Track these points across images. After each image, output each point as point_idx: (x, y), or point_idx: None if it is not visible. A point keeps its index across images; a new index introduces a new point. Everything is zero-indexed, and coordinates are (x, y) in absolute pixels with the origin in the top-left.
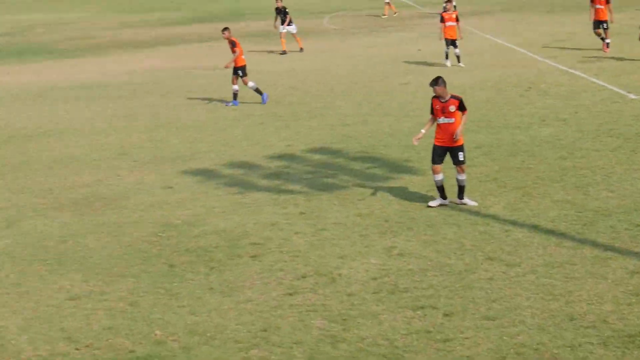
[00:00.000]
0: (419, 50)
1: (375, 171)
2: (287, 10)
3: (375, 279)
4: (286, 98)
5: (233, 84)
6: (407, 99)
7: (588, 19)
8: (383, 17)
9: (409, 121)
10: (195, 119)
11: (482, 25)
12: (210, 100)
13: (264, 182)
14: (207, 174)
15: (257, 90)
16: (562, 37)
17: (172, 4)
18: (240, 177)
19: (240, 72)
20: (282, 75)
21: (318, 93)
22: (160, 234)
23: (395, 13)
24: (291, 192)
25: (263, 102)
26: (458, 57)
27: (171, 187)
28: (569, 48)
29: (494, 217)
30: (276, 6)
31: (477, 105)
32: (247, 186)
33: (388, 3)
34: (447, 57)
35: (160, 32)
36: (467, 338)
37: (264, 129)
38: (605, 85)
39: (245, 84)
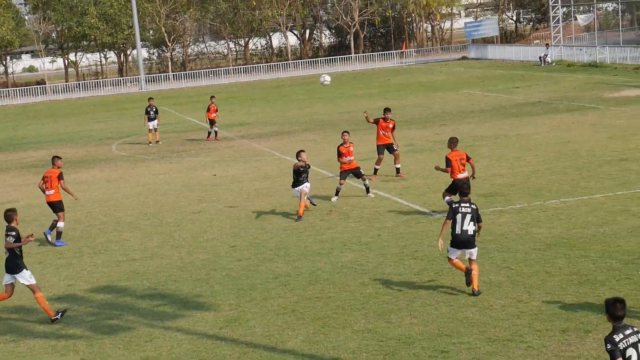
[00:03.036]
0: (214, 175)
1: (164, 309)
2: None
3: None
4: (68, 233)
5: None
6: (201, 229)
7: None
8: (149, 144)
9: (203, 253)
10: None
11: (281, 146)
12: None
13: (42, 328)
14: None
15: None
16: (366, 155)
17: None
18: (15, 324)
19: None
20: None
21: (103, 226)
22: None
23: (157, 142)
24: (71, 337)
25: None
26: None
27: None
28: (371, 167)
29: (291, 352)
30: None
31: (275, 232)
32: (22, 333)
33: (155, 130)
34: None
35: None
36: None
37: (43, 268)
38: (410, 205)
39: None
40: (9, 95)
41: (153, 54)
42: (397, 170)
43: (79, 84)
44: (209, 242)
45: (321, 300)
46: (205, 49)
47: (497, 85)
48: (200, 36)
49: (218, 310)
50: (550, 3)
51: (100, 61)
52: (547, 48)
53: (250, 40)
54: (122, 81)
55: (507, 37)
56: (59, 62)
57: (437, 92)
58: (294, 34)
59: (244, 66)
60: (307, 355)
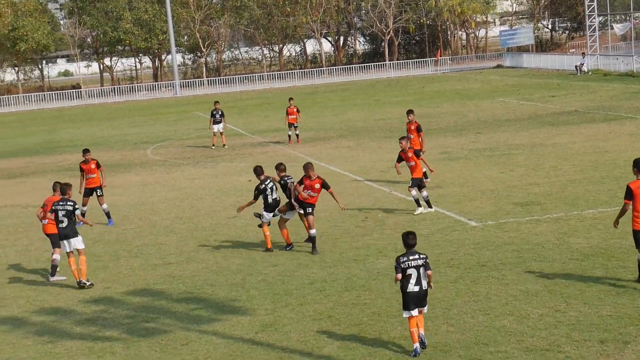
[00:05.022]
0: (249, 181)
1: (200, 313)
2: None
3: None
4: (104, 236)
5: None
6: (236, 234)
7: (426, 145)
8: (213, 147)
9: (238, 257)
10: (3, 261)
11: (316, 152)
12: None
13: (79, 329)
14: (14, 323)
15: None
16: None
17: None
18: (52, 325)
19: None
20: (101, 210)
21: (139, 230)
22: None
23: (224, 145)
24: (108, 339)
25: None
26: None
27: None
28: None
29: (327, 358)
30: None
31: None
32: (59, 334)
33: (221, 133)
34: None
35: None
36: None
37: None
38: (445, 212)
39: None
40: (44, 99)
41: (189, 59)
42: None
43: (114, 88)
44: (244, 247)
45: (357, 307)
46: (239, 55)
47: (533, 94)
48: (234, 42)
49: (254, 315)
50: (587, 12)
51: (135, 66)
52: (583, 57)
53: (285, 47)
54: (156, 86)
55: (542, 46)
56: (94, 66)
57: (472, 100)
58: (328, 40)
59: (278, 72)
60: None
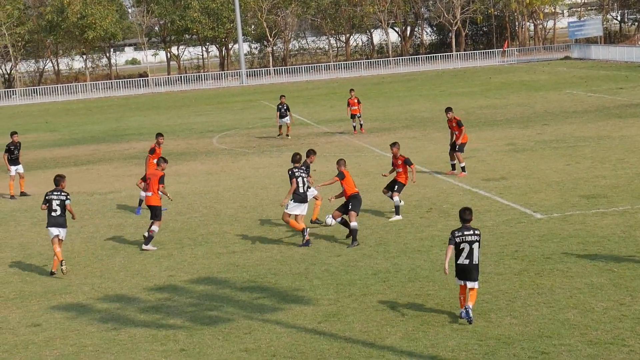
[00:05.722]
0: (314, 170)
1: (263, 302)
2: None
3: None
4: (169, 224)
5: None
6: None
7: (492, 136)
8: (278, 136)
9: (302, 247)
10: (69, 248)
11: (381, 142)
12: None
13: (142, 317)
14: (79, 309)
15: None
16: (465, 154)
17: (47, 125)
18: (116, 312)
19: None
20: (166, 198)
21: (204, 218)
22: None
23: (287, 136)
24: (172, 327)
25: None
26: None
27: (39, 325)
28: (472, 165)
29: (390, 349)
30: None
31: (374, 229)
32: (123, 321)
33: (287, 126)
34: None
35: (34, 155)
36: None
37: (144, 258)
38: (510, 204)
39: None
40: (112, 87)
41: (256, 48)
42: (453, 166)
43: (181, 77)
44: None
45: (420, 298)
46: (306, 44)
47: (601, 86)
48: (301, 32)
49: (317, 305)
50: None
51: (202, 55)
52: None
53: (351, 37)
54: (223, 75)
55: (611, 38)
56: (161, 55)
57: (539, 91)
58: (395, 30)
59: (345, 62)
60: (406, 352)
